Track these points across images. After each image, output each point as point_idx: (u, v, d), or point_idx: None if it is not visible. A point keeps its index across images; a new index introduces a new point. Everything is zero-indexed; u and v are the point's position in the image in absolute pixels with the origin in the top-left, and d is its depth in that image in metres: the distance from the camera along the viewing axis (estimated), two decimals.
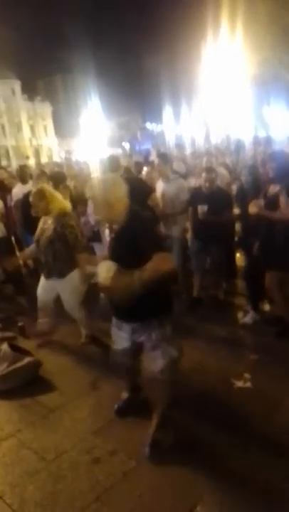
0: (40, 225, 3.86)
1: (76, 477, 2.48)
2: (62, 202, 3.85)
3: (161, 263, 2.25)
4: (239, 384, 3.19)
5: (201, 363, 3.56)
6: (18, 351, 3.71)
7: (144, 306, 2.40)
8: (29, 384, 3.46)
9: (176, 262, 4.89)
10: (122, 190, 2.43)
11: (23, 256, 4.78)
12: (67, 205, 3.95)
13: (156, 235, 2.82)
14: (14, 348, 3.73)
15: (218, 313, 4.52)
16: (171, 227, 4.97)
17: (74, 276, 3.77)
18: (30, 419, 3.07)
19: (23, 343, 4.09)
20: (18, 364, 3.54)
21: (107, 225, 3.45)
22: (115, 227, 2.56)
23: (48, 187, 4.13)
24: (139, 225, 2.41)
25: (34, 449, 2.75)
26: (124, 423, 2.88)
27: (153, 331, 2.50)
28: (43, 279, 3.97)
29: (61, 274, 3.73)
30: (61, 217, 3.69)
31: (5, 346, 3.71)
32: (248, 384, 3.18)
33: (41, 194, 3.73)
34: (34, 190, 3.95)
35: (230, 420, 2.82)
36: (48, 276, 3.84)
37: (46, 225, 3.77)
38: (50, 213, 3.73)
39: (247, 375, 3.26)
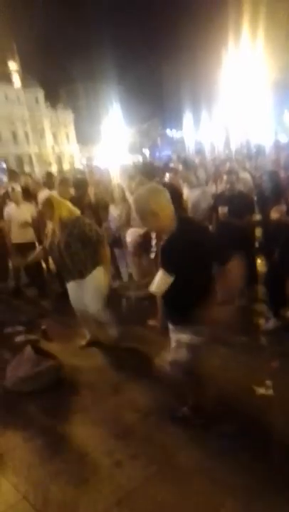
0: (50, 232, 3.88)
1: (98, 480, 2.51)
2: (70, 208, 3.85)
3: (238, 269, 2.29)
4: (261, 391, 3.16)
5: (222, 368, 3.54)
6: (41, 354, 3.77)
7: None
8: (51, 386, 3.52)
9: None
10: (166, 198, 2.39)
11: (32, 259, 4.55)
12: (76, 211, 3.96)
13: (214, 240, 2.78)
14: (37, 350, 3.80)
15: (239, 319, 4.47)
16: None
17: (96, 274, 3.80)
18: (52, 421, 3.12)
19: (46, 345, 4.16)
20: (41, 367, 3.60)
21: (154, 235, 3.40)
22: (165, 236, 2.47)
23: (56, 195, 4.16)
24: (196, 233, 2.41)
25: (57, 450, 2.79)
26: (145, 427, 2.90)
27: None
28: (70, 289, 3.98)
29: (82, 275, 3.79)
30: (74, 220, 3.74)
31: (28, 349, 3.78)
32: (270, 391, 3.15)
33: (48, 203, 3.80)
34: (42, 199, 3.99)
35: (252, 426, 2.80)
36: (69, 279, 3.89)
37: (56, 230, 3.79)
38: (57, 220, 3.76)
39: (268, 382, 3.23)
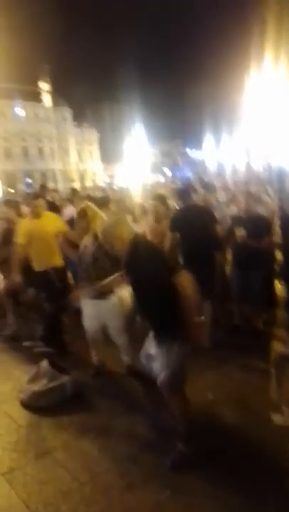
0: (83, 243, 3.90)
1: (109, 502, 2.46)
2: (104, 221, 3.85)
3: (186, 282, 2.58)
4: (276, 417, 3.07)
5: (236, 392, 3.49)
6: (57, 369, 3.78)
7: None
8: (66, 402, 3.51)
9: (216, 288, 4.87)
10: (128, 227, 2.88)
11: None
12: None
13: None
14: (54, 365, 3.81)
15: (256, 343, 4.40)
16: None
17: (121, 295, 3.65)
18: (66, 438, 3.11)
19: (63, 361, 4.16)
20: (57, 382, 3.61)
21: None
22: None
23: (91, 206, 4.16)
24: (146, 250, 2.73)
25: (68, 469, 2.76)
26: (158, 450, 2.84)
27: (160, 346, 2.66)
28: (86, 306, 3.89)
29: (104, 294, 3.65)
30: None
31: (45, 363, 3.80)
32: (286, 418, 3.06)
33: (83, 212, 3.84)
34: (78, 208, 4.05)
35: (266, 454, 2.73)
36: (100, 296, 3.69)
37: (87, 243, 3.81)
38: (91, 231, 3.76)
39: (285, 409, 3.14)
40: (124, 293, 3.66)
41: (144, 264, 2.63)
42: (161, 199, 4.92)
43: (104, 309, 3.76)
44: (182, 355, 2.65)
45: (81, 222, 3.86)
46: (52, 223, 4.73)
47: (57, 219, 5.03)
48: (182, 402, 2.74)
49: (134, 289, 2.81)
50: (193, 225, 4.29)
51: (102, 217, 3.91)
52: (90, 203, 4.43)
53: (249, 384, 3.61)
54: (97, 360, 4.04)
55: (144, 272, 2.61)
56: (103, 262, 3.60)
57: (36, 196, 5.05)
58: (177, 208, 4.87)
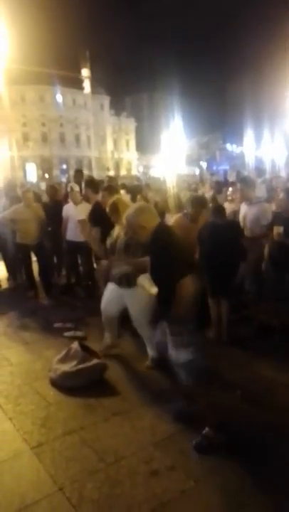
0: (115, 232, 3.94)
1: (133, 485, 2.49)
2: None
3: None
4: None
5: (265, 390, 3.43)
6: (87, 351, 3.84)
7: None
8: (94, 385, 3.57)
9: (251, 286, 4.80)
10: (152, 214, 2.86)
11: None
12: None
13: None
14: (84, 347, 3.87)
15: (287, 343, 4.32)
16: (248, 250, 4.87)
17: (147, 286, 3.52)
18: (93, 419, 3.16)
19: (93, 344, 4.23)
20: (87, 364, 3.67)
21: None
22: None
23: (121, 198, 4.26)
24: (164, 240, 2.73)
25: (95, 449, 2.82)
26: (184, 440, 2.85)
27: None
28: (107, 293, 4.00)
29: (129, 283, 3.71)
30: None
31: (75, 345, 3.87)
32: None
33: (115, 206, 3.90)
34: (110, 201, 4.08)
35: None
36: (119, 283, 3.81)
37: (121, 234, 3.84)
38: (123, 223, 3.71)
39: None
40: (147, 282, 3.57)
41: (160, 251, 2.67)
42: (202, 203, 4.81)
43: (128, 298, 3.78)
44: (196, 343, 2.70)
45: (113, 216, 3.91)
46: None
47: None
48: (207, 389, 2.79)
49: (152, 275, 2.85)
50: (217, 243, 4.22)
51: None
52: (120, 197, 4.48)
53: (278, 383, 3.55)
54: (109, 342, 4.16)
55: (159, 259, 2.68)
56: (135, 249, 3.62)
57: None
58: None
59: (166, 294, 2.67)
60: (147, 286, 3.15)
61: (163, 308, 2.72)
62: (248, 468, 2.57)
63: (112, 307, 3.99)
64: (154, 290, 2.85)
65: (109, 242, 3.97)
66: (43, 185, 11.16)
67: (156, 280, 2.80)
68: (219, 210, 4.51)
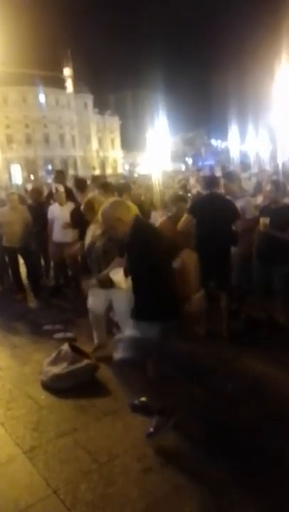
0: (90, 233, 3.89)
1: (127, 483, 2.50)
2: None
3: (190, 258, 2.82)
4: None
5: (257, 384, 3.47)
6: (78, 353, 3.84)
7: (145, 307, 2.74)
8: (85, 386, 3.57)
9: (239, 279, 4.83)
10: (127, 207, 2.82)
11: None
12: None
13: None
14: (74, 349, 3.87)
15: (277, 336, 4.36)
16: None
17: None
18: (85, 420, 3.16)
19: (83, 345, 4.22)
20: (77, 365, 3.67)
21: None
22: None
23: (98, 197, 4.13)
24: (146, 233, 2.78)
25: (88, 449, 2.82)
26: (176, 436, 2.87)
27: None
28: (92, 291, 3.92)
29: (112, 284, 3.50)
30: None
31: (66, 347, 3.86)
32: None
33: (90, 204, 3.85)
34: (84, 200, 4.05)
35: (286, 447, 2.71)
36: (102, 286, 3.65)
37: (97, 233, 3.79)
38: (99, 222, 3.62)
39: None
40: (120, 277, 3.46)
41: (138, 245, 2.69)
42: (182, 198, 4.85)
43: (115, 296, 3.74)
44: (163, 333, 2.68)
45: (88, 214, 3.87)
46: None
47: None
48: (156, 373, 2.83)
49: (129, 269, 2.86)
50: (213, 214, 4.24)
51: None
52: (96, 195, 4.39)
53: (269, 376, 3.59)
54: (98, 342, 4.14)
55: (136, 252, 2.69)
56: (112, 254, 3.56)
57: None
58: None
59: (145, 288, 2.68)
60: (118, 279, 3.11)
61: (141, 305, 2.74)
62: (241, 464, 2.60)
63: (99, 303, 3.94)
64: (126, 283, 2.90)
65: (86, 243, 3.93)
66: (30, 187, 11.05)
67: (135, 274, 2.79)
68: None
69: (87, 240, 3.94)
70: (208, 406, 3.20)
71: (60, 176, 7.76)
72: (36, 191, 7.21)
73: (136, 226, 2.75)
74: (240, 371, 3.71)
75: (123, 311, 3.70)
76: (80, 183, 6.13)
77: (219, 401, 3.25)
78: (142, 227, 2.81)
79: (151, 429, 2.86)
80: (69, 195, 6.38)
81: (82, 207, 3.99)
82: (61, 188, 6.54)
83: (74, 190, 6.43)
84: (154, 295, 2.69)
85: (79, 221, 4.64)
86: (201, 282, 4.06)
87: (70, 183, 8.11)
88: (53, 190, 6.80)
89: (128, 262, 2.87)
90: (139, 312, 2.80)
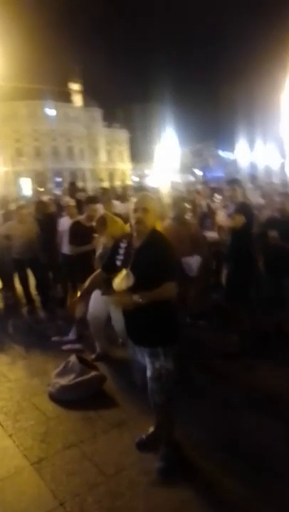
0: (101, 244, 4.07)
1: (134, 497, 2.49)
2: (122, 226, 3.95)
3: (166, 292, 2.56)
4: None
5: (269, 396, 3.44)
6: (85, 364, 3.85)
7: (148, 332, 2.65)
8: (93, 397, 3.57)
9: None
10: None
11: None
12: (127, 228, 4.06)
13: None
14: (82, 360, 3.88)
15: (285, 348, 4.33)
16: None
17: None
18: (93, 431, 3.16)
19: (91, 357, 4.24)
20: (85, 376, 3.68)
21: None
22: (138, 242, 2.75)
23: (110, 213, 4.40)
24: (161, 249, 2.66)
25: (95, 461, 2.81)
26: (184, 450, 2.85)
27: (156, 360, 2.64)
28: (94, 299, 4.07)
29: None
30: (124, 237, 3.80)
31: (73, 358, 3.88)
32: None
33: (103, 220, 4.03)
34: (97, 216, 4.23)
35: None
36: (105, 293, 3.67)
37: (107, 245, 3.84)
38: (109, 236, 3.86)
39: None
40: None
41: (156, 253, 2.62)
42: (183, 200, 4.93)
43: (111, 307, 3.84)
44: (168, 363, 2.65)
45: (101, 228, 4.04)
46: None
47: None
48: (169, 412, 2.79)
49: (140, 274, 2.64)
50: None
51: (121, 224, 4.02)
52: (107, 213, 4.53)
53: (281, 389, 3.56)
54: (100, 351, 4.28)
55: (154, 261, 2.58)
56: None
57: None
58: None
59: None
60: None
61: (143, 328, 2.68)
62: (249, 477, 2.58)
63: (99, 312, 4.11)
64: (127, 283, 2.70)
65: (98, 252, 4.08)
66: (45, 198, 11.15)
67: (146, 281, 2.59)
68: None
69: (99, 249, 4.10)
70: (218, 419, 3.18)
71: (72, 188, 7.94)
72: (42, 203, 7.32)
73: (154, 235, 2.70)
74: (252, 383, 3.69)
75: (121, 320, 3.77)
76: (91, 199, 6.26)
77: (230, 414, 3.23)
78: (160, 237, 2.76)
79: (144, 437, 2.90)
80: (79, 207, 6.46)
81: (94, 222, 4.17)
82: (72, 203, 6.65)
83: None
84: (157, 314, 2.61)
85: (80, 236, 4.82)
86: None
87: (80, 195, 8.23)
88: (63, 203, 6.91)
89: (135, 271, 2.66)
90: (140, 337, 2.75)
